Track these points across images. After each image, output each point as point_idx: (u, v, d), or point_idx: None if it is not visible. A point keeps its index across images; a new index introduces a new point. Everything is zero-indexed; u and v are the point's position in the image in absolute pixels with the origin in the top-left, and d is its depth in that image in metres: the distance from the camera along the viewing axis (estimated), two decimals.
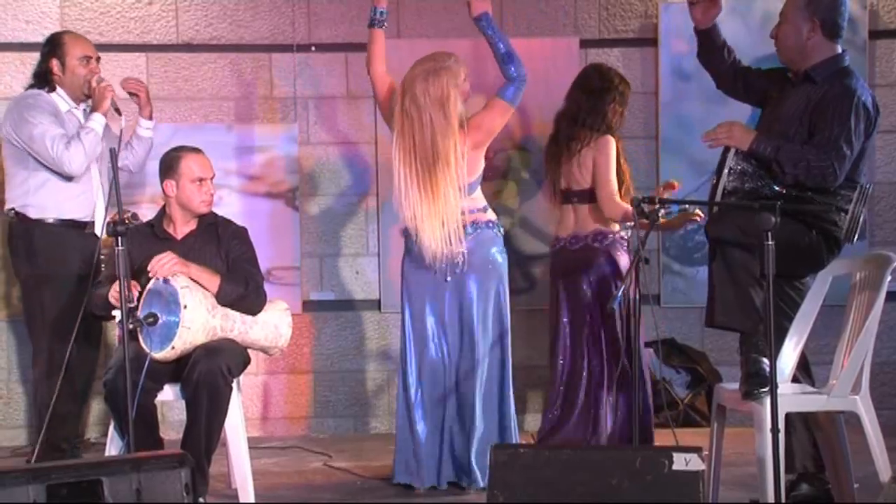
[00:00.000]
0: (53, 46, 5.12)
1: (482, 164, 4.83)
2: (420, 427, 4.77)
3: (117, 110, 5.09)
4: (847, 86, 4.15)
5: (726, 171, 4.10)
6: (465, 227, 4.72)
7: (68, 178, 5.02)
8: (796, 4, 4.25)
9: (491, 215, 4.85)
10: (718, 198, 4.13)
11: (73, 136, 4.98)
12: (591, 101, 5.14)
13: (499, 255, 4.83)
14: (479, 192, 4.84)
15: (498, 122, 4.78)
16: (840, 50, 4.25)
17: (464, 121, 4.69)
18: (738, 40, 5.92)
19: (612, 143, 5.09)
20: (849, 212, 4.10)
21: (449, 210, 4.64)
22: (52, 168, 4.99)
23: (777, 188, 4.11)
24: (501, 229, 4.89)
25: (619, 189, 5.08)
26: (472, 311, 4.77)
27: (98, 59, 5.18)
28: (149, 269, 4.34)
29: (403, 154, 4.67)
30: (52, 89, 5.09)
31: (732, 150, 4.11)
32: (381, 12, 4.87)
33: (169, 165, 4.62)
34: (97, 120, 5.03)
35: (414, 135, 4.63)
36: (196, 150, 4.67)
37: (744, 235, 3.96)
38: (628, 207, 4.93)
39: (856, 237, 4.16)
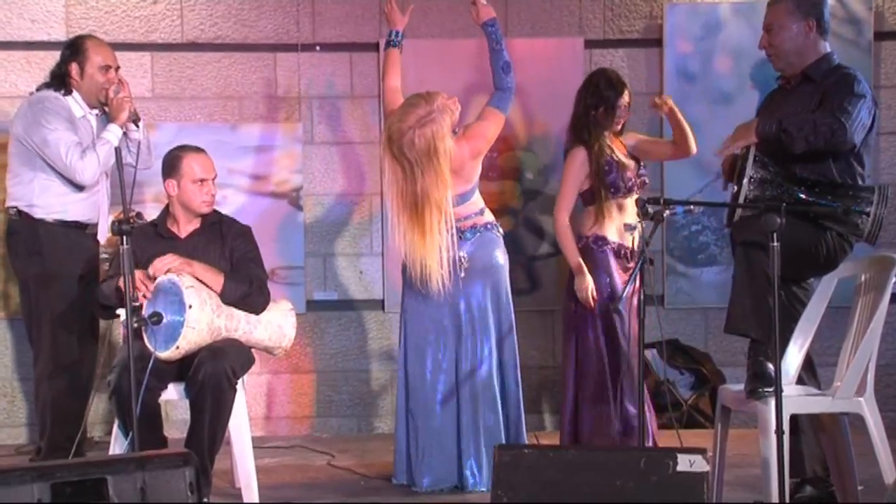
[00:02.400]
0: (75, 51, 5.08)
1: (479, 171, 4.86)
2: (422, 428, 4.78)
3: (135, 121, 5.08)
4: (845, 73, 4.25)
5: (746, 180, 4.10)
6: (464, 231, 4.77)
7: (77, 186, 5.02)
8: (786, 10, 4.33)
9: (488, 216, 4.87)
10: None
11: (88, 146, 4.96)
12: (577, 106, 5.15)
13: (500, 257, 4.85)
14: (476, 196, 4.87)
15: (494, 130, 4.83)
16: (829, 49, 4.36)
17: (453, 153, 4.67)
18: (743, 41, 5.96)
19: (575, 155, 5.07)
20: (871, 214, 4.11)
21: (442, 241, 4.65)
22: (61, 173, 4.99)
23: (802, 195, 4.11)
24: (500, 230, 4.91)
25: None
26: (477, 313, 4.78)
27: (118, 68, 5.16)
28: (150, 271, 4.35)
29: (396, 198, 4.70)
30: (69, 92, 5.06)
31: (750, 159, 4.11)
32: (397, 33, 5.02)
33: (171, 165, 4.62)
34: (114, 131, 5.01)
35: (406, 182, 4.66)
36: (198, 150, 4.67)
37: (768, 240, 3.95)
38: (566, 237, 5.03)
39: (877, 238, 4.19)
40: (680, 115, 5.09)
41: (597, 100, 5.07)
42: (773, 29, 4.36)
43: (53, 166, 4.97)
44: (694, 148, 5.12)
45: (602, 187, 5.03)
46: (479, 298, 4.79)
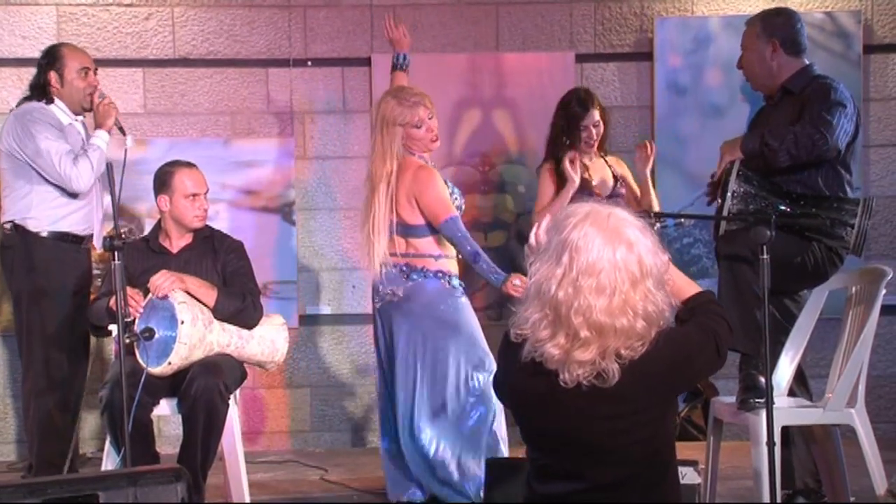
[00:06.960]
0: (51, 59, 5.09)
1: (436, 212, 4.60)
2: (398, 442, 4.78)
3: (121, 129, 5.08)
4: (823, 83, 4.28)
5: (729, 194, 4.11)
6: (411, 270, 4.66)
7: (72, 195, 5.02)
8: (754, 32, 4.41)
9: (443, 265, 4.67)
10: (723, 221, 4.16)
11: (79, 153, 4.97)
12: (552, 126, 5.30)
13: (436, 306, 4.64)
14: (430, 242, 4.66)
15: (436, 198, 4.59)
16: (807, 62, 4.39)
17: (400, 159, 4.63)
18: (734, 55, 5.95)
19: (543, 170, 5.26)
20: (855, 226, 4.13)
21: (373, 229, 4.62)
22: (55, 184, 4.98)
23: (783, 207, 4.12)
24: (453, 281, 4.71)
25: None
26: (396, 346, 4.72)
27: (95, 70, 5.18)
28: (153, 293, 4.34)
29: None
30: (51, 101, 5.06)
31: (734, 174, 4.13)
32: (404, 56, 5.10)
33: (162, 180, 4.63)
34: (102, 137, 5.01)
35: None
36: (189, 165, 4.68)
37: (754, 254, 3.97)
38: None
39: (862, 250, 4.20)
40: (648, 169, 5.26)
41: (567, 119, 5.21)
42: (743, 50, 4.45)
43: (46, 176, 4.96)
44: (654, 204, 5.26)
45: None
46: (399, 334, 4.68)
